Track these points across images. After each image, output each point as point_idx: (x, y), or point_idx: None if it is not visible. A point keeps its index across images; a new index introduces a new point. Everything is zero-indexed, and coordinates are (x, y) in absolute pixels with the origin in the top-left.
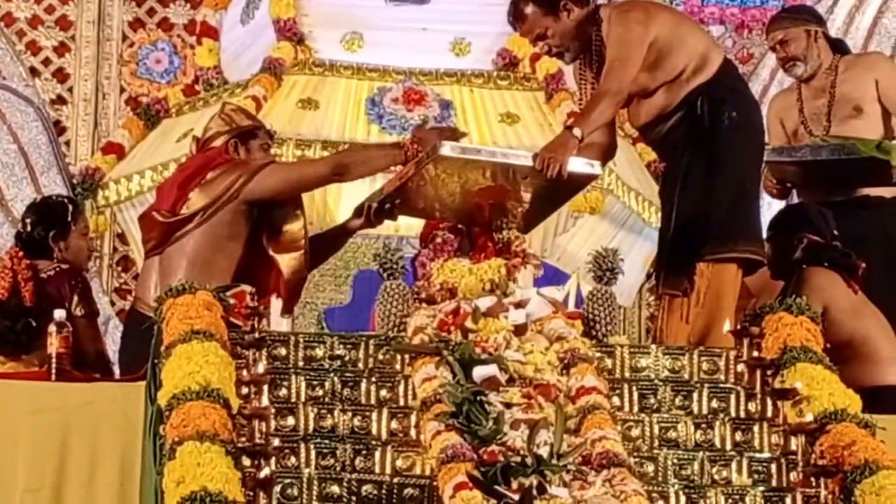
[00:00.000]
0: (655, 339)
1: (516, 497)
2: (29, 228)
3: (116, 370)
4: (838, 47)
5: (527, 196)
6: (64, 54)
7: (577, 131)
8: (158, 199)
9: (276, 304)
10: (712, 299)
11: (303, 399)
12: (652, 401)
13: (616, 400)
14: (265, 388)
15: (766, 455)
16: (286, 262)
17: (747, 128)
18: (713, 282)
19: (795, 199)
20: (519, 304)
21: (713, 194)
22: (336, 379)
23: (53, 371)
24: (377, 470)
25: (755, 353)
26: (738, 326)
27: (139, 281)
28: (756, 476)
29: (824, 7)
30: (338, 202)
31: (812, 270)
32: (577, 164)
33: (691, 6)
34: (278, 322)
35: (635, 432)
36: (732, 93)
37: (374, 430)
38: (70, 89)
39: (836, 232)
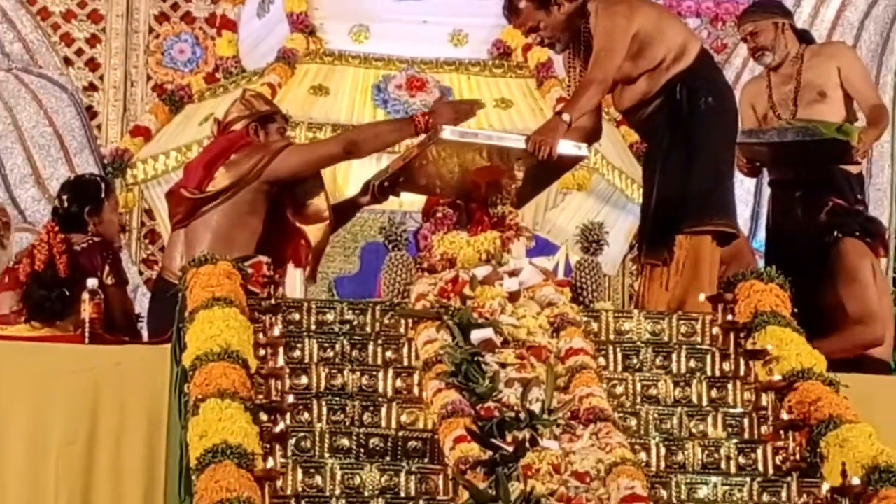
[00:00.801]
0: (638, 304)
1: (510, 449)
2: (65, 204)
3: (144, 334)
4: (804, 38)
5: (520, 174)
6: (95, 45)
7: (566, 116)
8: (185, 178)
9: (291, 273)
10: (690, 268)
11: (315, 360)
12: (634, 361)
13: (602, 360)
14: (280, 349)
15: (739, 410)
16: (313, 232)
17: (721, 112)
18: (691, 252)
19: (766, 177)
20: (513, 273)
21: (691, 173)
22: (345, 341)
23: (86, 335)
24: (383, 424)
25: (729, 318)
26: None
27: (165, 252)
28: (730, 429)
29: (791, 1)
30: (347, 180)
31: (847, 241)
32: (566, 147)
33: (670, 0)
34: (293, 289)
35: (619, 390)
36: (708, 80)
37: (380, 388)
38: (101, 77)
39: (859, 196)
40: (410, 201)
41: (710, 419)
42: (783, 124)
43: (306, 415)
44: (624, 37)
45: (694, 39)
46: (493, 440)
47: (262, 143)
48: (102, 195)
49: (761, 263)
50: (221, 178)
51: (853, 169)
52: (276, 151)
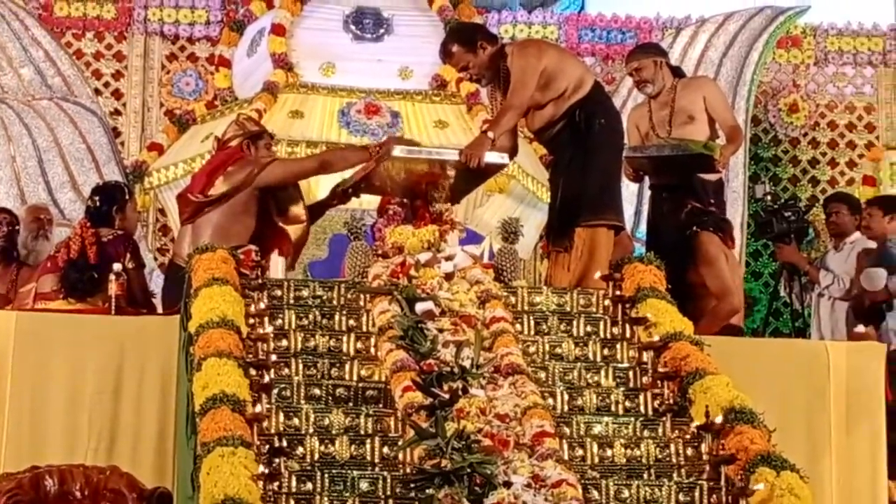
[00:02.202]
0: (546, 282)
1: (447, 396)
2: (97, 204)
3: (159, 307)
4: (677, 73)
5: (451, 174)
6: (119, 79)
7: (490, 134)
8: (192, 184)
9: (275, 259)
10: (587, 254)
11: (293, 327)
12: (544, 326)
13: (518, 326)
14: (266, 319)
15: (626, 365)
16: (293, 231)
17: (612, 131)
18: (588, 242)
19: (647, 183)
20: (448, 258)
21: (586, 179)
22: (317, 312)
23: (113, 308)
24: (347, 378)
25: (618, 292)
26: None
27: (175, 242)
28: (618, 380)
29: (666, 43)
30: (318, 186)
31: (703, 235)
32: (492, 157)
33: (571, 42)
34: (276, 273)
35: (532, 349)
36: (601, 106)
37: (344, 349)
38: (124, 104)
39: (713, 200)
40: (368, 201)
41: (602, 372)
42: (661, 142)
43: (286, 370)
44: (534, 73)
45: (589, 74)
46: (433, 389)
47: (254, 157)
48: (126, 198)
49: (642, 250)
50: (220, 185)
51: (712, 177)
52: (264, 164)
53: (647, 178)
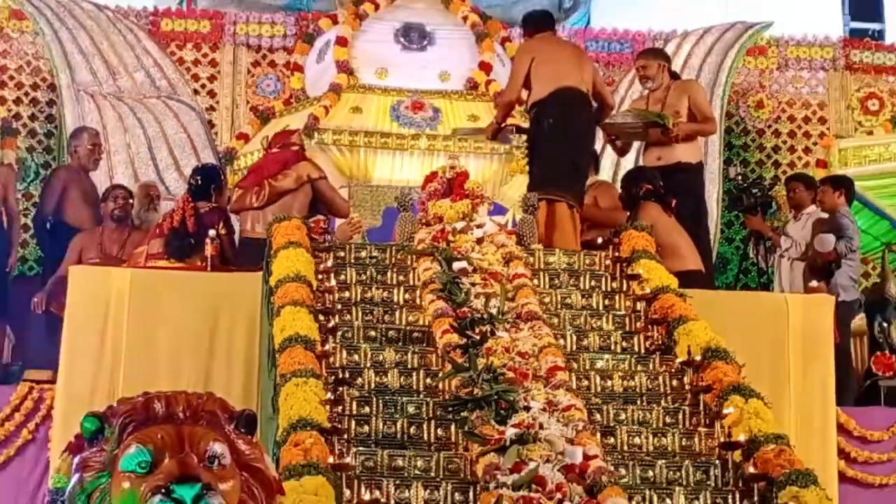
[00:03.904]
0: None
1: (478, 337)
2: (199, 182)
3: None
4: (673, 76)
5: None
6: (213, 81)
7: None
8: (264, 170)
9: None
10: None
11: (353, 281)
12: (556, 281)
13: (535, 281)
14: (332, 275)
15: (623, 313)
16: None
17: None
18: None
19: (632, 158)
20: (479, 226)
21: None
22: (373, 269)
23: (209, 266)
24: (397, 323)
25: (616, 254)
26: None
27: (241, 220)
28: (616, 324)
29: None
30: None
31: (644, 204)
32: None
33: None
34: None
35: (546, 300)
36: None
37: (395, 299)
38: (217, 102)
39: (661, 183)
40: (415, 180)
41: (604, 318)
42: (627, 112)
43: (347, 316)
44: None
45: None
46: (466, 332)
47: (314, 163)
48: (222, 177)
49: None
50: (288, 179)
51: (692, 160)
52: (319, 176)
53: (630, 154)
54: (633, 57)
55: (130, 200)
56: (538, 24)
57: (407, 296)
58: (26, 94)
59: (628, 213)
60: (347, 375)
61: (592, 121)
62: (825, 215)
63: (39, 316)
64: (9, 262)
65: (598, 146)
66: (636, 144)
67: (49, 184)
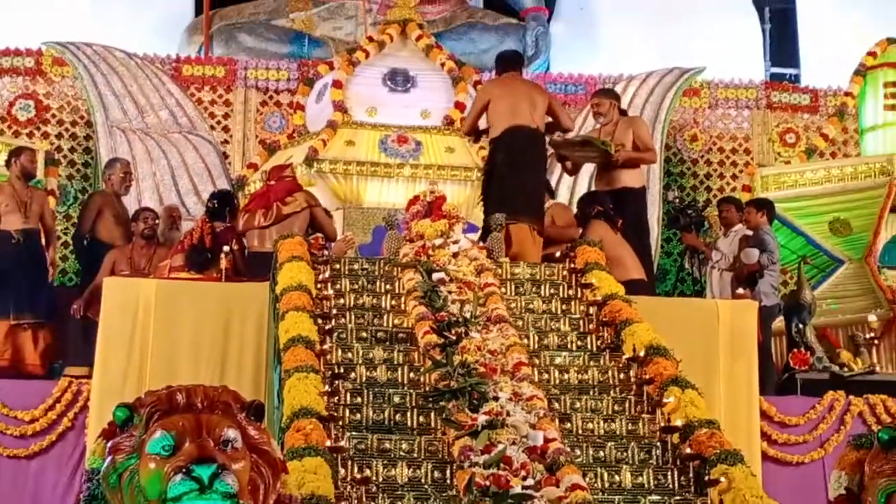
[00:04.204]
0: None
1: (454, 337)
2: (215, 205)
3: None
4: (622, 112)
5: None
6: (227, 118)
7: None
8: (271, 195)
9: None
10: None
11: (347, 289)
12: (521, 289)
13: (503, 289)
14: (329, 284)
15: (578, 316)
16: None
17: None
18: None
19: (584, 184)
20: (455, 242)
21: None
22: (364, 279)
23: (223, 277)
24: (384, 325)
25: (572, 265)
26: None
27: (248, 237)
28: (572, 326)
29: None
30: (365, 192)
31: (594, 222)
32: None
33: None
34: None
35: (512, 305)
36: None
37: (383, 305)
38: (230, 136)
39: (611, 205)
40: (400, 202)
41: (562, 321)
42: (575, 137)
43: (342, 319)
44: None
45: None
46: (444, 333)
47: (310, 192)
48: (235, 201)
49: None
50: (293, 204)
51: (636, 185)
52: (315, 203)
53: (579, 177)
54: (588, 96)
55: (157, 221)
56: (507, 62)
57: (393, 302)
58: (66, 129)
59: (581, 230)
60: (342, 370)
61: (542, 155)
62: (750, 232)
63: (77, 320)
64: (50, 272)
65: (554, 177)
66: (587, 169)
67: (86, 207)
